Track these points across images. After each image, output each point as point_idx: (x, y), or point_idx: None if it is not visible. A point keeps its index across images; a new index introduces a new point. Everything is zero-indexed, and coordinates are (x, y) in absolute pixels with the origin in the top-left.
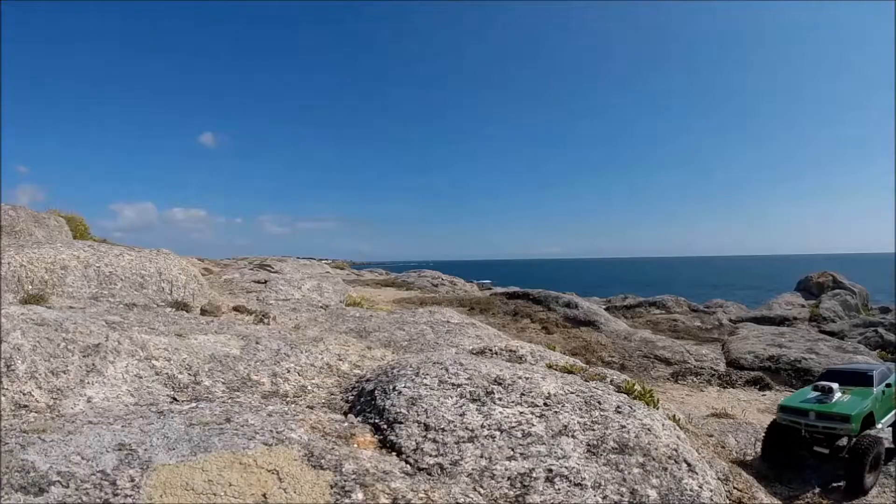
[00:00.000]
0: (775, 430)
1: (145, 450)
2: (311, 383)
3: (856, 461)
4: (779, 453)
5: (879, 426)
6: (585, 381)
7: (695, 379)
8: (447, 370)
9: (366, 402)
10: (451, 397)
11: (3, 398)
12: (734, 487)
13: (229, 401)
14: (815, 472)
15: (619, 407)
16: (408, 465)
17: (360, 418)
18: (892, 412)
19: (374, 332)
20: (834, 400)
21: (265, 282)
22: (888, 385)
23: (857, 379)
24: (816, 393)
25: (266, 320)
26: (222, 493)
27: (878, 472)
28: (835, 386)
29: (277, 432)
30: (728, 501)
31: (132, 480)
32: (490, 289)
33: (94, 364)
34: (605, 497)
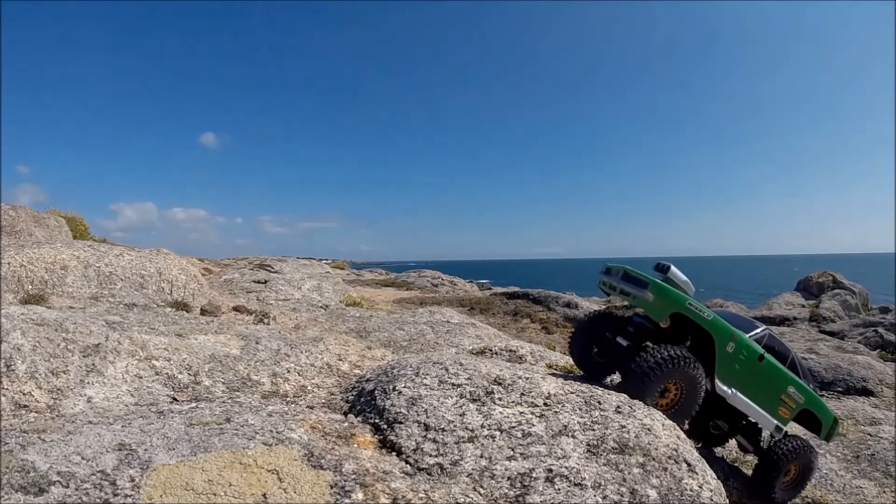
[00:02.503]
0: (596, 320)
1: (145, 450)
2: (311, 383)
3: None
4: (586, 345)
5: (723, 386)
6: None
7: None
8: (447, 370)
9: (366, 402)
10: (451, 397)
11: (3, 398)
12: (734, 487)
13: (229, 401)
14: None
15: (618, 407)
16: (408, 465)
17: (360, 418)
18: (760, 394)
19: (374, 332)
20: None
21: (265, 282)
22: (747, 348)
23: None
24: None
25: (266, 320)
26: (222, 493)
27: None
28: (674, 268)
29: (277, 432)
30: (728, 501)
31: (132, 480)
32: (490, 289)
33: (94, 364)
34: (605, 497)
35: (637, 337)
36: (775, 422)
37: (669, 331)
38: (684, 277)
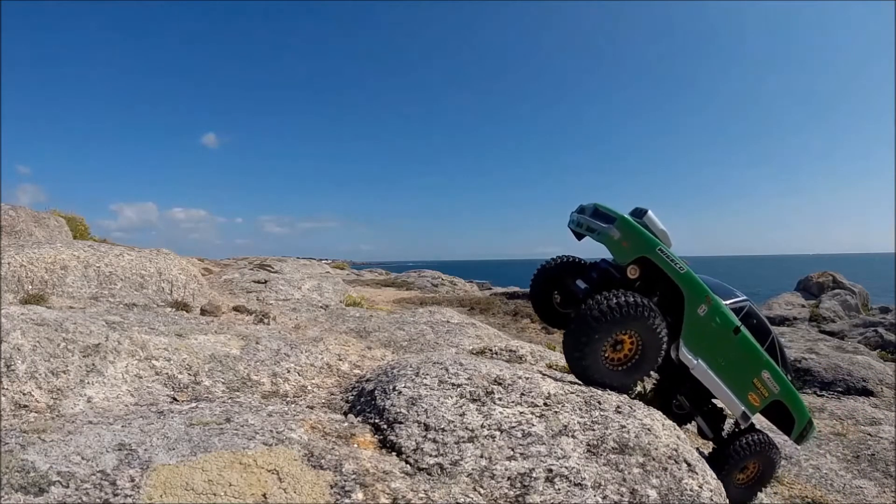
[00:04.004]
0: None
1: (145, 450)
2: (311, 383)
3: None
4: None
5: (688, 354)
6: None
7: None
8: (447, 370)
9: (366, 402)
10: (451, 397)
11: (3, 398)
12: None
13: (229, 401)
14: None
15: (619, 407)
16: (408, 465)
17: (360, 418)
18: (730, 371)
19: (374, 332)
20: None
21: (265, 282)
22: (722, 315)
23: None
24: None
25: (266, 320)
26: (222, 493)
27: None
28: (652, 213)
29: (277, 432)
30: (728, 501)
31: (132, 480)
32: (490, 289)
33: (94, 364)
34: (605, 497)
35: (599, 283)
36: (742, 407)
37: (638, 282)
38: (663, 227)
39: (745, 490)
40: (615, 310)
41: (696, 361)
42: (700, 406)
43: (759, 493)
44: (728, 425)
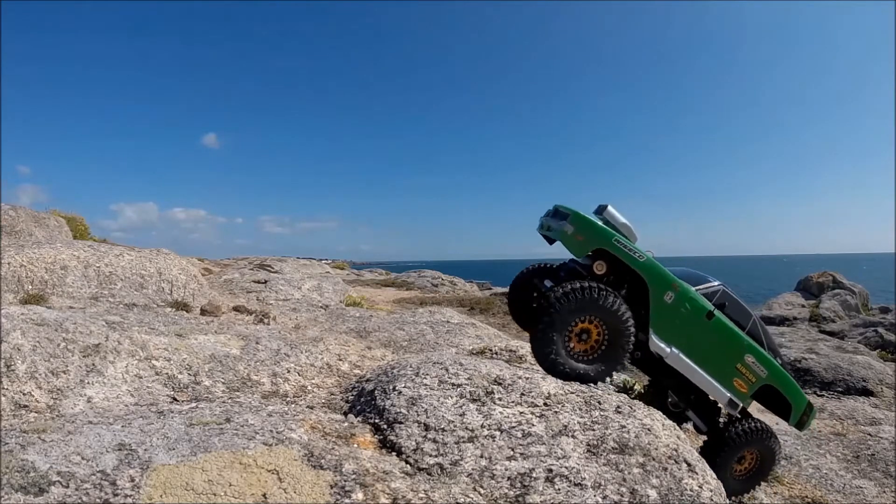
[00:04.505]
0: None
1: (145, 450)
2: (311, 383)
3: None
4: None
5: (659, 342)
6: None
7: None
8: (447, 370)
9: (366, 402)
10: (451, 397)
11: (3, 398)
12: None
13: (229, 401)
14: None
15: (619, 407)
16: (408, 465)
17: (360, 418)
18: (709, 358)
19: (374, 332)
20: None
21: (265, 282)
22: (692, 301)
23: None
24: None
25: (266, 320)
26: (222, 493)
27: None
28: (612, 208)
29: (277, 432)
30: (728, 501)
31: (132, 480)
32: (490, 289)
33: (94, 364)
34: (605, 497)
35: (566, 281)
36: (728, 394)
37: (607, 277)
38: (624, 220)
39: (744, 482)
40: (569, 295)
41: (669, 350)
42: (689, 399)
43: (759, 486)
44: (725, 418)
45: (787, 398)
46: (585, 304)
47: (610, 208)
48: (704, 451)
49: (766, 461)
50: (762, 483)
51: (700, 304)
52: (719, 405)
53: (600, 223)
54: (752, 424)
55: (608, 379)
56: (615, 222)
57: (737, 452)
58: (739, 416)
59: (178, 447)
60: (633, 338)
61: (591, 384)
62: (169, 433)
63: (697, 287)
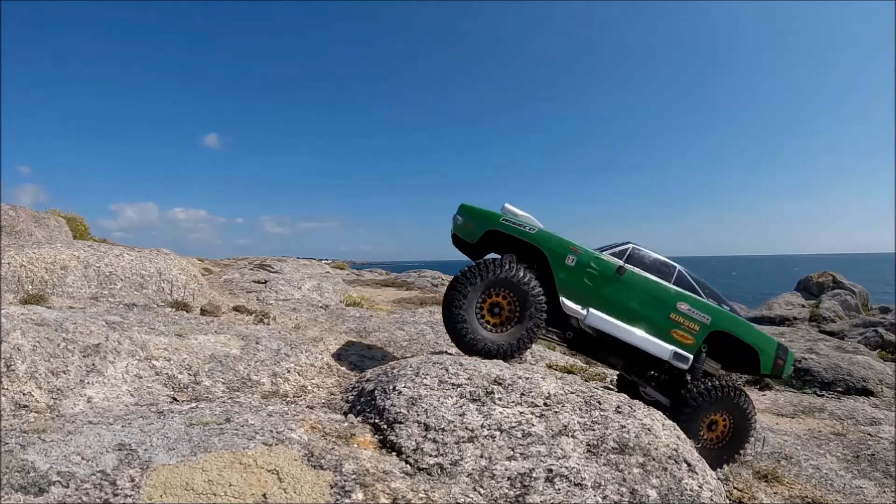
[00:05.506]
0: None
1: (145, 450)
2: (311, 383)
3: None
4: None
5: (571, 304)
6: (585, 380)
7: None
8: (447, 370)
9: (366, 402)
10: (451, 397)
11: (3, 398)
12: (734, 487)
13: (229, 401)
14: None
15: (619, 407)
16: (408, 465)
17: (360, 418)
18: (634, 313)
19: (374, 332)
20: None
21: (265, 282)
22: (597, 260)
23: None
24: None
25: (266, 320)
26: (222, 493)
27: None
28: (508, 205)
29: (277, 432)
30: (728, 501)
31: (132, 480)
32: None
33: (94, 364)
34: (605, 497)
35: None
36: (670, 347)
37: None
38: (524, 213)
39: (720, 451)
40: (472, 272)
41: (584, 311)
42: (642, 372)
43: (739, 455)
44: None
45: (749, 343)
46: (490, 279)
47: (507, 205)
48: (674, 405)
49: (739, 424)
50: (738, 456)
51: (607, 262)
52: (687, 379)
53: (486, 210)
54: (717, 381)
55: (527, 351)
56: (515, 215)
57: (701, 414)
58: (701, 377)
59: (178, 447)
60: (544, 306)
61: (512, 357)
62: (169, 433)
63: (604, 249)
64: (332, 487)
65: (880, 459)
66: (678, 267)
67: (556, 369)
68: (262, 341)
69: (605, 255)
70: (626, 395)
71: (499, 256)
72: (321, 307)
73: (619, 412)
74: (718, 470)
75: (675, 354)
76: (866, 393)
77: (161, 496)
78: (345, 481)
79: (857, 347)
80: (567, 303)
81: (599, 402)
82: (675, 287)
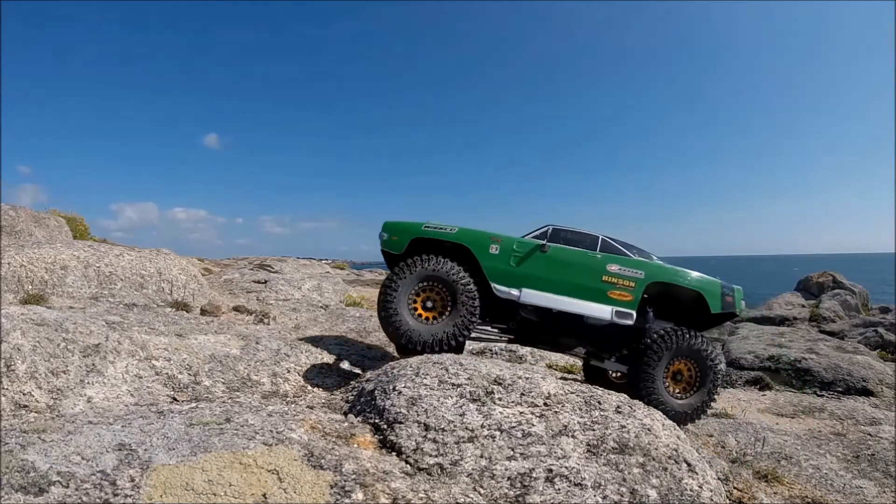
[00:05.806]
0: None
1: (145, 450)
2: (311, 383)
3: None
4: None
5: (503, 287)
6: (585, 380)
7: None
8: (447, 370)
9: (366, 402)
10: (451, 397)
11: (3, 398)
12: (734, 487)
13: (229, 401)
14: None
15: (619, 407)
16: (408, 465)
17: (360, 418)
18: (567, 284)
19: (374, 332)
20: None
21: (265, 282)
22: (519, 243)
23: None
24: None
25: (266, 320)
26: (222, 493)
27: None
28: (432, 221)
29: (277, 432)
30: (728, 501)
31: (132, 480)
32: None
33: (94, 364)
34: (605, 497)
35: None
36: (611, 307)
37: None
38: (443, 224)
39: (691, 401)
40: (401, 269)
41: (517, 292)
42: (599, 348)
43: (713, 402)
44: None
45: (692, 288)
46: (422, 274)
47: (429, 221)
48: (630, 382)
49: (705, 369)
50: (714, 398)
51: (528, 243)
52: (641, 344)
53: (408, 222)
54: (668, 327)
55: (465, 340)
56: (433, 226)
57: (661, 366)
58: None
59: (178, 447)
60: (474, 294)
61: (451, 349)
62: (169, 433)
63: (526, 235)
64: (332, 487)
65: (880, 459)
66: (601, 235)
67: (556, 369)
68: (262, 341)
69: (527, 238)
70: (625, 395)
71: None
72: (321, 307)
73: (619, 412)
74: (718, 471)
75: (617, 313)
76: (866, 393)
77: (161, 496)
78: (345, 481)
79: (857, 347)
80: (499, 287)
81: (599, 402)
82: (601, 253)
